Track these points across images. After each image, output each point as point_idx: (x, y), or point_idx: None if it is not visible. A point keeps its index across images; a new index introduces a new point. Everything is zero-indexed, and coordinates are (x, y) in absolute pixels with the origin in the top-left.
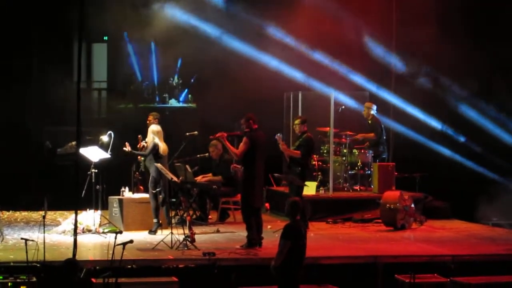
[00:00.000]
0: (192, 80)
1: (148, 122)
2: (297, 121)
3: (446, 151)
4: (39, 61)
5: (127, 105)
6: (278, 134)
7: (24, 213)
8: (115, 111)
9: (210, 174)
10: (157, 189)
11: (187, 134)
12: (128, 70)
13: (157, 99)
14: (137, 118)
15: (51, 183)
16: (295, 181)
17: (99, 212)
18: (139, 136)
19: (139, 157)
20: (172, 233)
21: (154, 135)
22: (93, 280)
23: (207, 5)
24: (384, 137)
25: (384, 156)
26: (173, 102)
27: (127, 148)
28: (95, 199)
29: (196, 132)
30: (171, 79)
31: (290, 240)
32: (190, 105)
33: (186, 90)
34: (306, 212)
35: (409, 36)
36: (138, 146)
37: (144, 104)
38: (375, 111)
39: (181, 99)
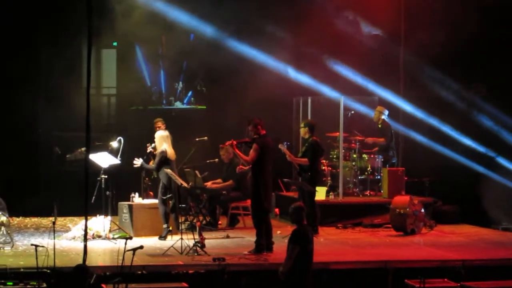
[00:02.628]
0: (200, 81)
1: (157, 128)
2: (301, 125)
3: (455, 155)
4: (48, 66)
5: (137, 107)
6: (284, 144)
7: (34, 219)
8: (125, 114)
9: (220, 180)
10: (168, 195)
11: (197, 139)
12: (137, 75)
13: (164, 102)
14: (146, 120)
15: (61, 189)
16: (305, 187)
17: (109, 218)
18: (147, 144)
19: (150, 163)
20: (182, 238)
21: (163, 141)
22: (103, 286)
23: (216, 9)
24: (394, 142)
25: (393, 161)
26: (178, 105)
27: (138, 163)
28: (105, 205)
29: (206, 138)
30: (176, 85)
31: (299, 245)
32: (193, 106)
33: (190, 93)
34: (316, 217)
35: (418, 39)
36: (146, 151)
37: (152, 106)
38: (386, 116)
39: (185, 101)
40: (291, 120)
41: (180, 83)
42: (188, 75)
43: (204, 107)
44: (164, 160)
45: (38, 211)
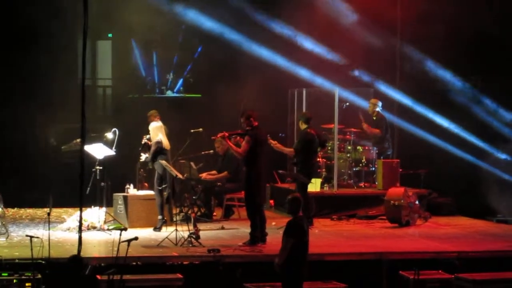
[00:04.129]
0: (189, 73)
1: (151, 120)
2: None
3: (450, 148)
4: (44, 58)
5: (133, 95)
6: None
7: (29, 210)
8: (120, 105)
9: (215, 171)
10: (163, 186)
11: (192, 131)
12: (132, 66)
13: (157, 91)
14: (141, 111)
15: (56, 180)
16: (299, 178)
17: (104, 209)
18: (143, 136)
19: (147, 154)
20: (176, 230)
21: (158, 131)
22: (98, 277)
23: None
24: (389, 134)
25: (388, 153)
26: (169, 93)
27: (143, 158)
28: (100, 196)
29: (201, 129)
30: (168, 75)
31: (293, 237)
32: (182, 94)
33: (180, 82)
34: (310, 209)
35: (414, 31)
36: (141, 142)
37: (147, 95)
38: (380, 108)
39: (175, 90)
40: (286, 112)
41: (171, 74)
42: (178, 67)
43: (199, 95)
44: (160, 150)
45: (33, 202)
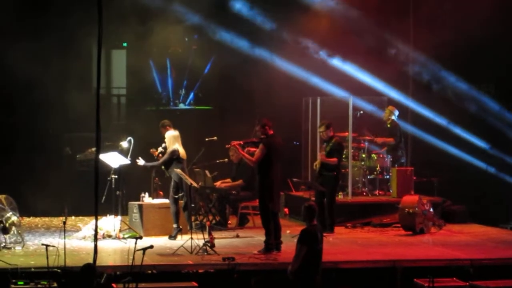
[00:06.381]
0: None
1: (165, 129)
2: (321, 128)
3: (464, 155)
4: (58, 67)
5: (151, 108)
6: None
7: (45, 219)
8: (135, 114)
9: (229, 179)
10: (180, 194)
11: (207, 139)
12: (147, 76)
13: (171, 104)
14: (156, 120)
15: (71, 189)
16: (316, 187)
17: (119, 217)
18: (152, 150)
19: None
20: (192, 238)
21: (174, 140)
22: (114, 285)
23: (225, 11)
24: (403, 142)
25: (402, 161)
26: (181, 106)
27: (141, 162)
28: (115, 205)
29: (215, 138)
30: (180, 90)
31: (307, 245)
32: (193, 107)
33: (191, 96)
34: (333, 216)
35: (427, 40)
36: (154, 154)
37: (162, 107)
38: (396, 117)
39: (186, 103)
40: (300, 120)
41: (183, 89)
42: (189, 80)
43: (210, 107)
44: (176, 158)
45: (49, 211)
